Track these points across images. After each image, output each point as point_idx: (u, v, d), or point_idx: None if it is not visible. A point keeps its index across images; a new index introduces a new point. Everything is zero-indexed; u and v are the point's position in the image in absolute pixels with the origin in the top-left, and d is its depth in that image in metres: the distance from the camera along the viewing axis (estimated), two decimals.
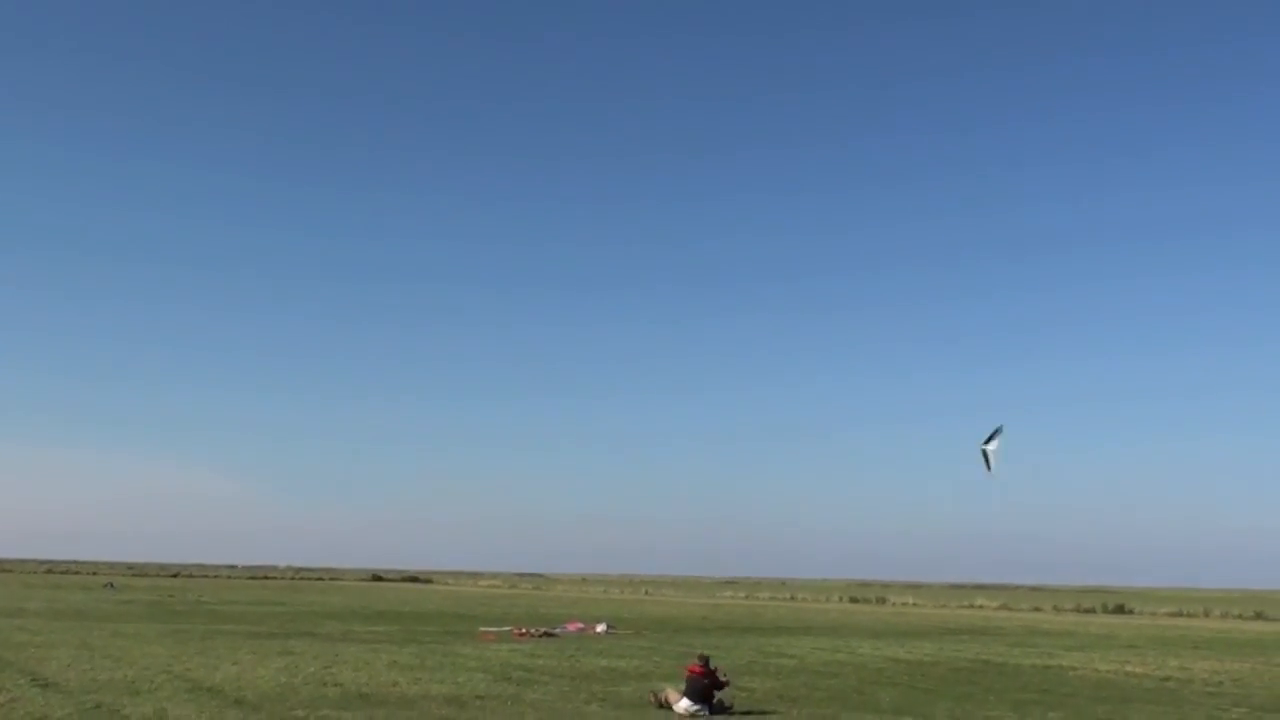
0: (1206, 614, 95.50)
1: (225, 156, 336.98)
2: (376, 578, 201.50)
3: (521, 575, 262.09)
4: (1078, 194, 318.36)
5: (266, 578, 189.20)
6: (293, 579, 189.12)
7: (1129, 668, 36.93)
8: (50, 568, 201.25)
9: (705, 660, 23.14)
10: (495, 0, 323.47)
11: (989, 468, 41.94)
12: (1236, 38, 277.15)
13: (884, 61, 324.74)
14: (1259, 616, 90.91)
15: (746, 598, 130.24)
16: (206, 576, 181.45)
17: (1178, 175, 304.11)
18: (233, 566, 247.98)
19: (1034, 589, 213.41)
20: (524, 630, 49.52)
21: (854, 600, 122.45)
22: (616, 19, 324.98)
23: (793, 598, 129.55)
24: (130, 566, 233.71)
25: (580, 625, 54.57)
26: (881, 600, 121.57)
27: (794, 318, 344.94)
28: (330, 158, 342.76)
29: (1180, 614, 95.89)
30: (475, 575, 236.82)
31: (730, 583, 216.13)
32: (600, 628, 52.96)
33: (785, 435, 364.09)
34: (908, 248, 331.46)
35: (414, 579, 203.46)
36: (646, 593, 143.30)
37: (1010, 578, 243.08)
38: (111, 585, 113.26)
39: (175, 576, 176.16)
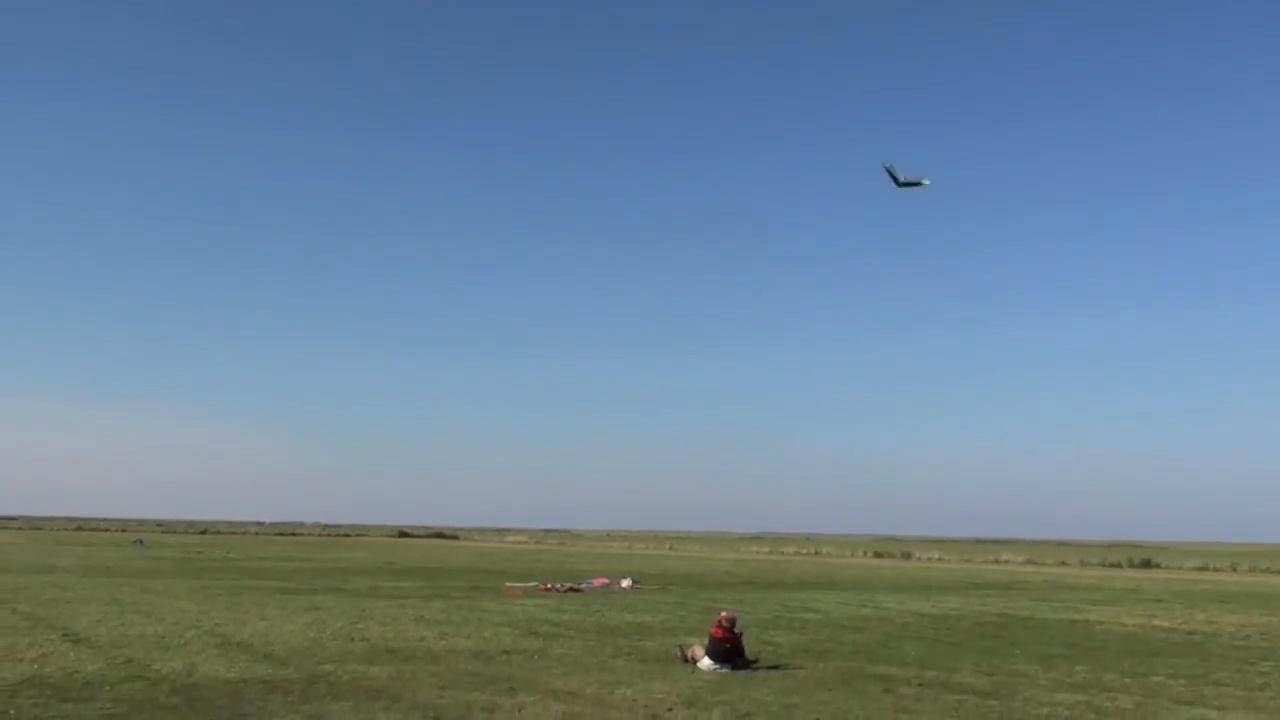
0: (1234, 568, 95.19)
1: (242, 107, 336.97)
2: (403, 534, 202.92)
3: (547, 531, 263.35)
4: (1089, 143, 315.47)
5: (294, 534, 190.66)
6: (320, 535, 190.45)
7: (1155, 622, 36.82)
8: (80, 525, 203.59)
9: (731, 623, 22.97)
10: None
11: (900, 182, 41.92)
12: None
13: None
14: None
15: (771, 553, 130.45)
16: (235, 533, 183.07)
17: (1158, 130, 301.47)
18: (260, 523, 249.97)
19: (1060, 543, 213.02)
20: (550, 585, 49.73)
21: (879, 555, 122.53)
22: None
23: (817, 553, 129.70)
24: (159, 523, 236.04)
25: (605, 580, 54.76)
26: (906, 555, 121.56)
27: (817, 273, 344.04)
28: (362, 111, 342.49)
29: (1207, 568, 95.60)
30: (502, 531, 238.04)
31: (755, 538, 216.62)
32: (625, 583, 53.15)
33: (811, 392, 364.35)
34: (932, 200, 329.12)
35: (440, 535, 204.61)
36: (671, 548, 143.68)
37: (1036, 533, 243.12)
38: (141, 541, 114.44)
39: (204, 533, 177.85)
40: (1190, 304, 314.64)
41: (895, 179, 41.74)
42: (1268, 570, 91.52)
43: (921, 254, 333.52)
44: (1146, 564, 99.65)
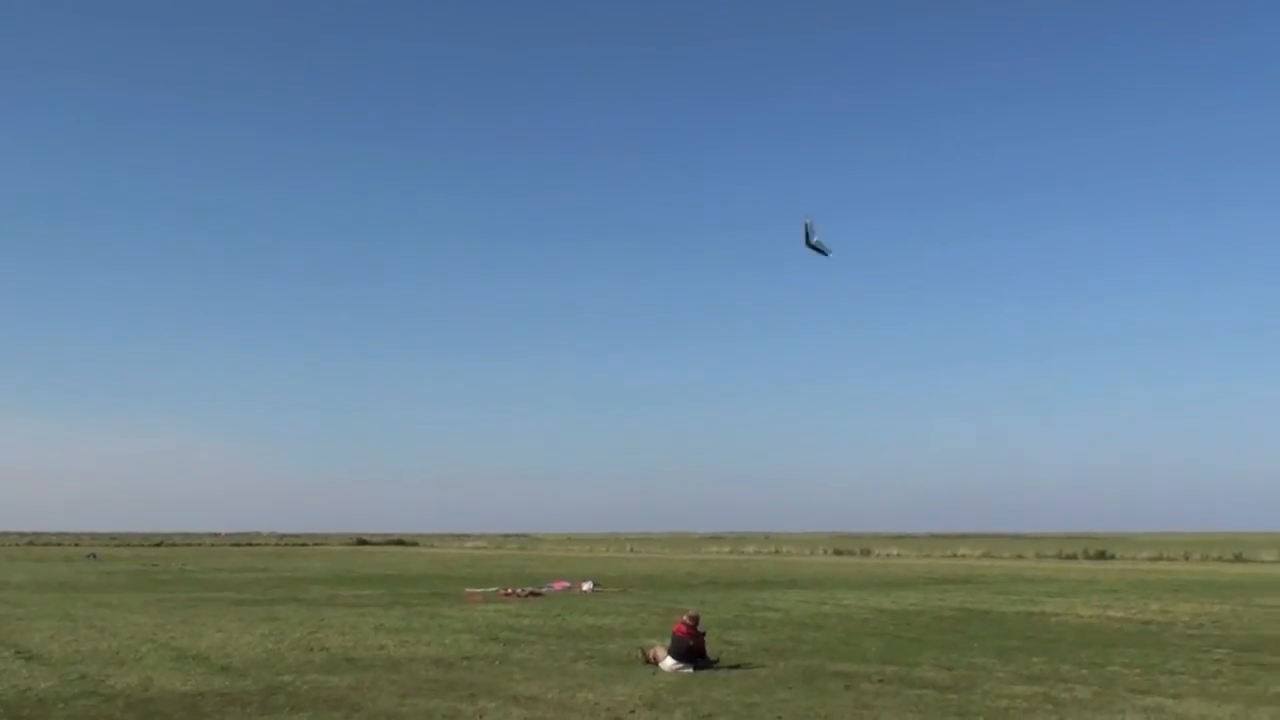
0: (1187, 557, 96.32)
1: (197, 112, 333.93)
2: (361, 542, 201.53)
3: (507, 535, 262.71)
4: (1038, 138, 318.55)
5: (250, 544, 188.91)
6: (277, 545, 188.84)
7: (1111, 612, 37.19)
8: (32, 540, 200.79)
9: (694, 621, 23.05)
10: None
11: (810, 242, 42.68)
12: None
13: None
14: (1238, 559, 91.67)
15: (731, 552, 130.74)
16: (190, 545, 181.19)
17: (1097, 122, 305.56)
18: (216, 534, 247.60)
19: (1016, 537, 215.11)
20: (510, 590, 49.59)
21: (839, 553, 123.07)
22: None
23: (777, 551, 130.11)
24: (113, 536, 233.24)
25: (566, 584, 54.68)
26: (866, 552, 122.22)
27: (771, 271, 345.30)
28: (302, 114, 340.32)
29: (1161, 558, 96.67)
30: (461, 537, 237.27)
31: (715, 538, 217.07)
32: (586, 586, 53.08)
33: (768, 389, 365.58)
34: (877, 197, 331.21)
35: (399, 542, 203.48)
36: (632, 550, 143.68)
37: (993, 527, 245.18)
38: (94, 555, 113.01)
39: (159, 545, 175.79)
40: (1139, 292, 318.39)
41: (808, 237, 42.49)
42: (1219, 559, 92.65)
43: (871, 248, 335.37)
44: (1101, 555, 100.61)
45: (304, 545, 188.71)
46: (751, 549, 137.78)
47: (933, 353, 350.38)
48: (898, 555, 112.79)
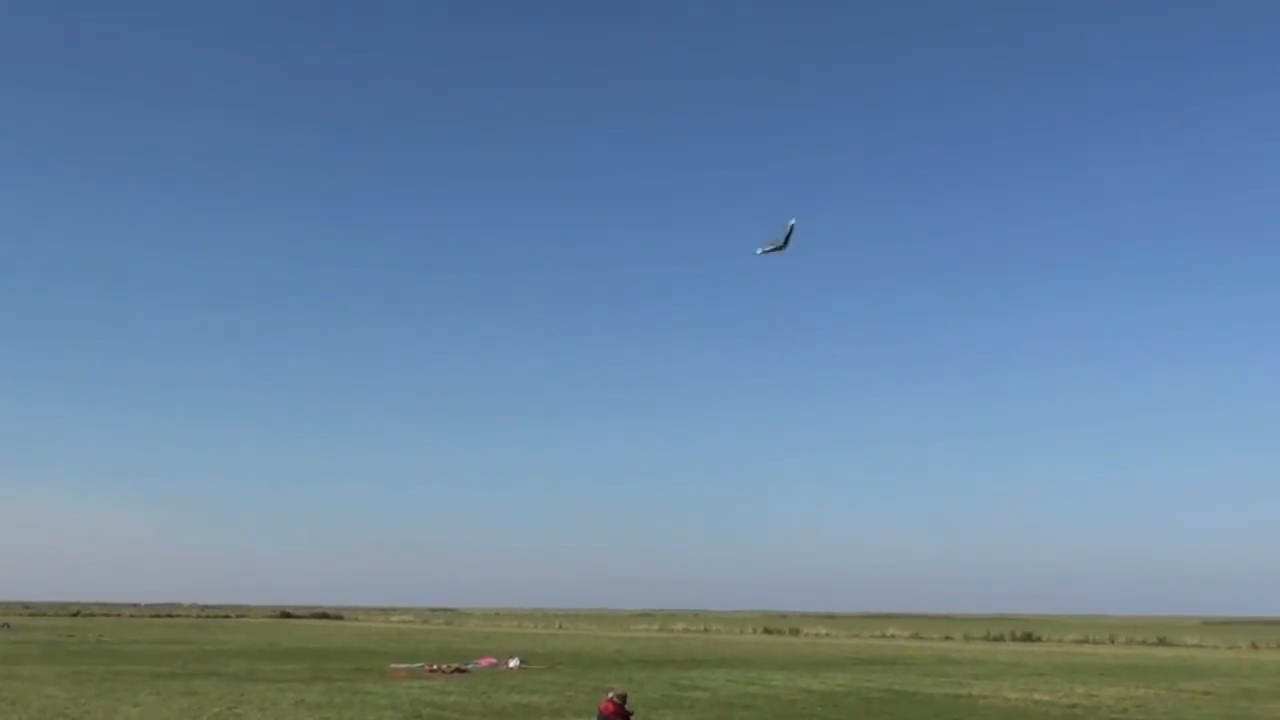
0: (1113, 640, 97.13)
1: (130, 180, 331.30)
2: (285, 614, 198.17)
3: (434, 610, 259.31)
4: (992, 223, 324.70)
5: (171, 615, 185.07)
6: (198, 617, 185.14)
7: (1037, 695, 37.33)
8: None
9: (622, 700, 22.81)
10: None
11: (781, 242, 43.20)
12: None
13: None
14: (1162, 643, 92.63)
15: (661, 630, 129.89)
16: (108, 615, 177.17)
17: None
18: (135, 605, 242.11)
19: (945, 617, 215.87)
20: (435, 666, 48.88)
21: (768, 631, 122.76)
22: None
23: (707, 629, 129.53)
24: (27, 606, 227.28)
25: (493, 660, 54.00)
26: (795, 631, 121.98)
27: (699, 347, 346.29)
28: (224, 182, 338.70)
29: (1087, 641, 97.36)
30: (387, 611, 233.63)
31: (645, 615, 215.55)
32: (513, 663, 52.46)
33: (698, 467, 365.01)
34: (821, 278, 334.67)
35: (324, 615, 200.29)
36: (560, 626, 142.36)
37: (922, 606, 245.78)
38: (7, 625, 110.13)
39: (75, 615, 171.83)
40: (1068, 379, 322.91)
41: (786, 240, 43.10)
42: (1144, 643, 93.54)
43: (803, 329, 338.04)
44: (1028, 637, 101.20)
45: (226, 617, 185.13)
46: (680, 626, 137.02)
47: (864, 432, 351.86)
48: (827, 635, 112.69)
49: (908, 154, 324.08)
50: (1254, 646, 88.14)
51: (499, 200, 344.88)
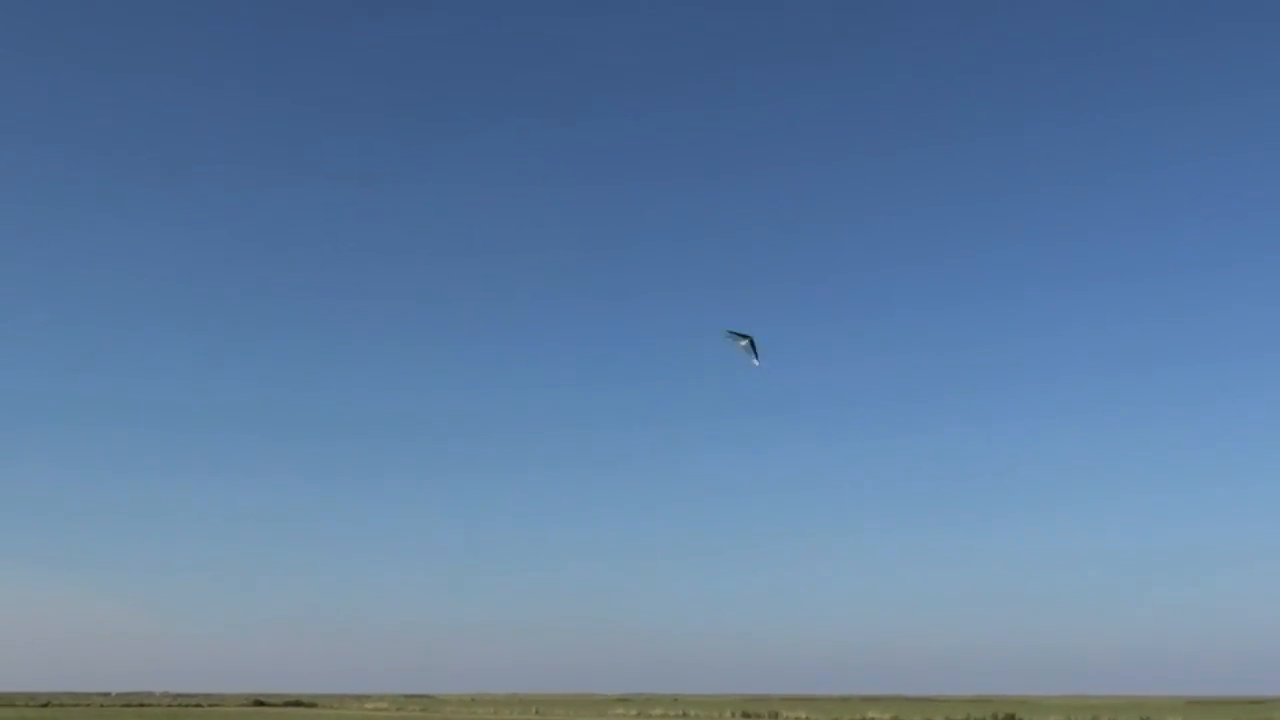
0: None
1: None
2: (258, 703, 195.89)
3: (409, 696, 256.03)
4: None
5: (142, 705, 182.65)
6: (170, 705, 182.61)
7: None
8: None
9: None
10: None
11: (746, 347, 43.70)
12: None
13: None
14: None
15: (639, 715, 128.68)
16: (79, 705, 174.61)
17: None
18: (106, 693, 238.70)
19: (925, 699, 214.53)
20: None
21: (746, 715, 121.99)
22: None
23: (685, 714, 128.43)
24: None
25: None
26: (774, 715, 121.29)
27: (673, 431, 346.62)
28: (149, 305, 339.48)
29: None
30: (361, 697, 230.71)
31: (622, 699, 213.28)
32: None
33: (675, 547, 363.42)
34: (778, 350, 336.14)
35: (298, 703, 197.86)
36: (537, 711, 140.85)
37: (901, 687, 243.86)
38: None
39: (45, 706, 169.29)
40: (1039, 457, 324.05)
41: (750, 347, 43.81)
42: None
43: (791, 400, 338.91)
44: (1010, 718, 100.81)
45: (198, 705, 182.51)
46: (658, 711, 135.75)
47: (835, 511, 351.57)
48: (805, 718, 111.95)
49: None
50: None
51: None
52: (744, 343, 45.30)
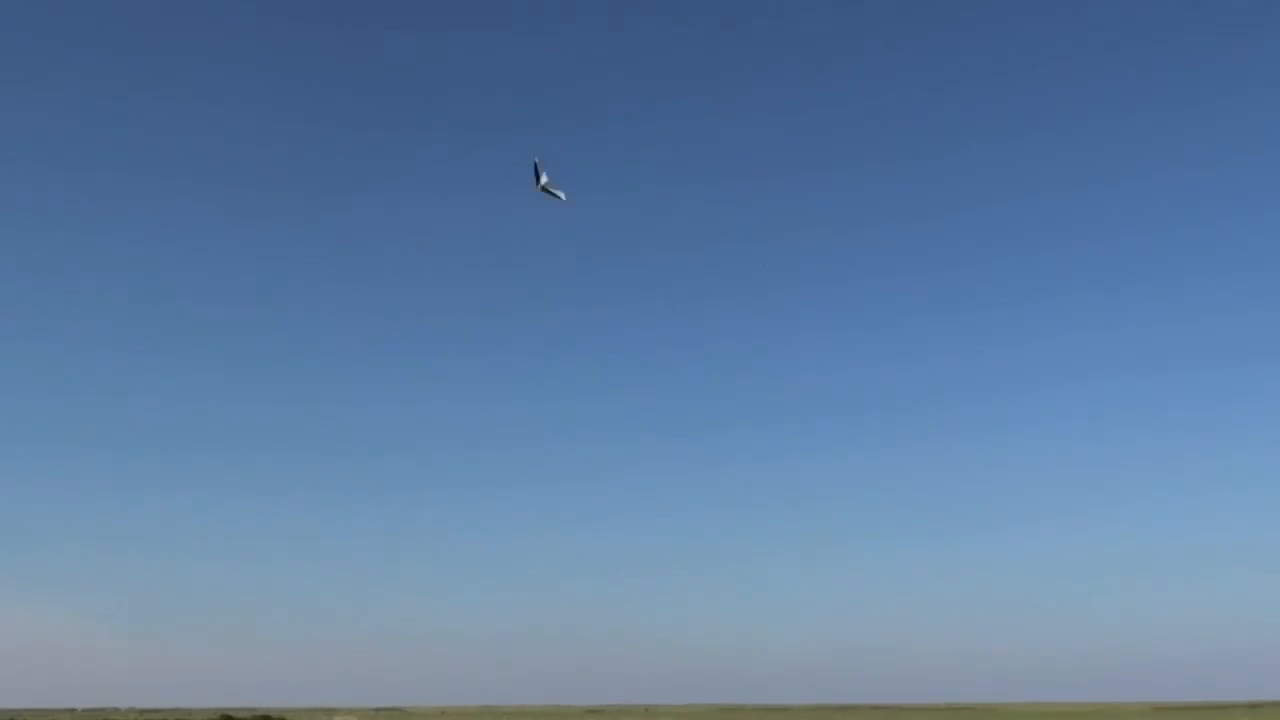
0: None
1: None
2: (226, 717, 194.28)
3: (379, 709, 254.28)
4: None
5: None
6: None
7: None
8: None
9: None
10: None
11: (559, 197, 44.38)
12: None
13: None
14: None
15: None
16: None
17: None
18: (72, 710, 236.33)
19: (896, 707, 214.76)
20: None
21: None
22: None
23: None
24: None
25: None
26: None
27: (649, 444, 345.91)
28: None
29: None
30: (331, 710, 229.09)
31: (594, 711, 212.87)
32: None
33: (648, 559, 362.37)
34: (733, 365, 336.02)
35: (266, 717, 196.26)
36: None
37: (872, 696, 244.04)
38: None
39: None
40: (1018, 466, 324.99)
41: (537, 178, 44.75)
42: None
43: (746, 426, 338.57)
44: None
45: None
46: None
47: (806, 523, 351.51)
48: None
49: None
50: None
51: None
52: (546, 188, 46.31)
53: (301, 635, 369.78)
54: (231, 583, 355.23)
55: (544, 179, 45.92)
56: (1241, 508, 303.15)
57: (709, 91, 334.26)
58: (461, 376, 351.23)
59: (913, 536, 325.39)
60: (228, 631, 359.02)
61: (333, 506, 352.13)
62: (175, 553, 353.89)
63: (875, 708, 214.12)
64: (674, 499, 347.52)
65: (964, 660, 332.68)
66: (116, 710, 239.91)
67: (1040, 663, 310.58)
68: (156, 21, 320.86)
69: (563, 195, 46.33)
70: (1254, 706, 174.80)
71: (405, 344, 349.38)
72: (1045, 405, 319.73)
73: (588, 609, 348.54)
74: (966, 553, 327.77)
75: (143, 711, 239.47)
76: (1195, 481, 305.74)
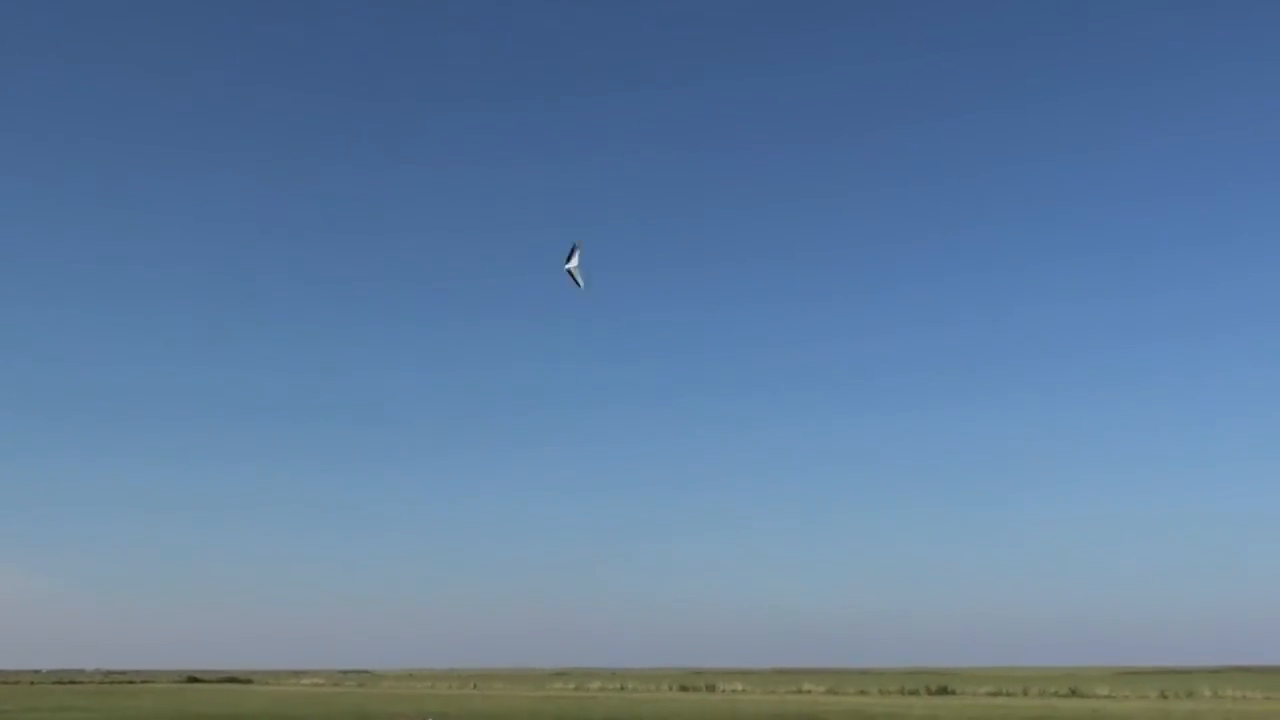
0: (1025, 692, 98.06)
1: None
2: (192, 679, 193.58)
3: (346, 672, 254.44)
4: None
5: (73, 682, 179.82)
6: (101, 683, 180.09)
7: None
8: None
9: None
10: None
11: (578, 284, 45.49)
12: None
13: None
14: (1074, 694, 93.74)
15: (576, 689, 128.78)
16: (6, 682, 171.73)
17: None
18: (36, 671, 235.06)
19: (860, 671, 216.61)
20: None
21: (684, 689, 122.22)
22: None
23: (623, 688, 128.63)
24: None
25: None
26: (711, 688, 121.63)
27: (624, 409, 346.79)
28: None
29: (1000, 693, 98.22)
30: (298, 674, 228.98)
31: (560, 673, 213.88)
32: None
33: (612, 524, 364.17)
34: (725, 335, 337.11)
35: (232, 679, 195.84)
36: (475, 686, 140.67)
37: (836, 660, 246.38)
38: None
39: None
40: (987, 427, 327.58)
41: (570, 257, 45.36)
42: (1056, 694, 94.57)
43: (724, 387, 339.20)
44: (943, 690, 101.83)
45: (130, 683, 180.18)
46: (596, 685, 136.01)
47: (770, 485, 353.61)
48: (743, 691, 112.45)
49: None
50: (1163, 696, 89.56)
51: None
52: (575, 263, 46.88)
53: (268, 598, 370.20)
54: (198, 546, 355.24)
55: (575, 261, 46.44)
56: (1204, 478, 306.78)
57: (705, 66, 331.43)
58: (428, 345, 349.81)
59: (877, 503, 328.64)
60: (194, 594, 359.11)
61: (300, 473, 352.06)
62: (141, 515, 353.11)
63: (838, 671, 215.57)
64: (643, 464, 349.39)
65: (928, 624, 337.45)
66: (82, 672, 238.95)
67: (1007, 626, 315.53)
68: None
69: (581, 284, 47.21)
70: (1215, 672, 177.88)
71: (377, 311, 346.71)
72: (1015, 375, 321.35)
73: (556, 572, 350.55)
74: (932, 519, 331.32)
75: (108, 673, 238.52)
76: (1159, 451, 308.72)
